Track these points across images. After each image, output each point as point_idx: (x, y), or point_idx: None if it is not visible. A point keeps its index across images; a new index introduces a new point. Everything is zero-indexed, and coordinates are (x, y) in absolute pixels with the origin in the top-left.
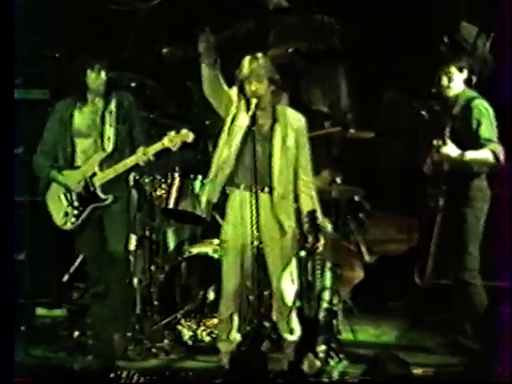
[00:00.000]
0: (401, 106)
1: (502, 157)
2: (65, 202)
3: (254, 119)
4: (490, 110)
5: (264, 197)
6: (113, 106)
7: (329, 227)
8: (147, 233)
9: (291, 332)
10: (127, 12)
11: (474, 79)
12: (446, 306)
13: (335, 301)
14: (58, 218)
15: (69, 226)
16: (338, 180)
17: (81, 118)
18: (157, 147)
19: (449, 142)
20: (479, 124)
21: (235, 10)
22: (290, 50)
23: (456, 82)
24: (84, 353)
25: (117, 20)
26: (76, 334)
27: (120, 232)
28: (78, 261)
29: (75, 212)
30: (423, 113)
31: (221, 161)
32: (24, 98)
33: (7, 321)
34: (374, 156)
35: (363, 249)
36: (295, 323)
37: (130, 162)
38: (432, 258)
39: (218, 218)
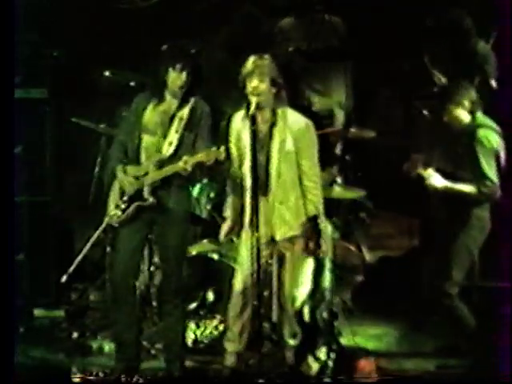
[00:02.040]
0: (402, 105)
1: (493, 195)
2: (118, 195)
3: (253, 119)
4: (494, 142)
5: (263, 201)
6: (185, 112)
7: (329, 229)
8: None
9: (294, 336)
10: (128, 10)
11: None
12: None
13: (336, 302)
14: (110, 208)
15: (115, 219)
16: (339, 180)
17: (152, 115)
18: (195, 159)
19: (432, 172)
20: (478, 158)
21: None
22: (290, 49)
23: (460, 116)
24: (83, 354)
25: (117, 19)
26: (75, 335)
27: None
28: (77, 261)
29: (123, 206)
30: (425, 112)
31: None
32: (23, 97)
33: (6, 322)
34: (375, 156)
35: (364, 249)
36: (298, 326)
37: (173, 168)
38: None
39: (217, 218)
